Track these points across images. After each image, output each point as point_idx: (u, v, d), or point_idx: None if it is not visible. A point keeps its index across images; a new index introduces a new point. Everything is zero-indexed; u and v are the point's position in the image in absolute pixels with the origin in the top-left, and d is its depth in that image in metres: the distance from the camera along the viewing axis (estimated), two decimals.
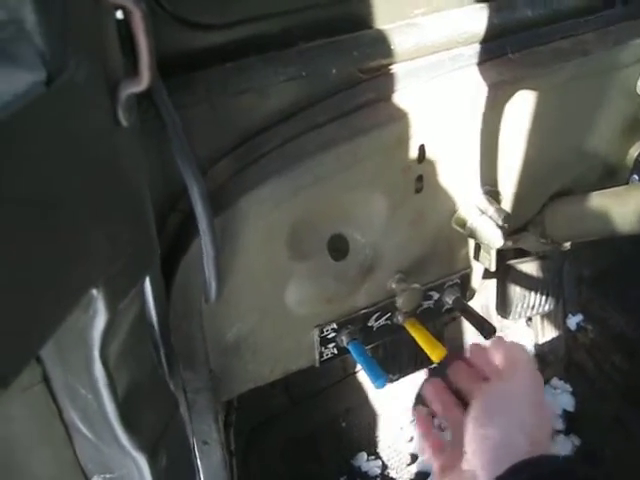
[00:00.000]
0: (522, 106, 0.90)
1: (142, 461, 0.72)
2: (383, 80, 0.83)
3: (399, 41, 0.82)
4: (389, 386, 1.80)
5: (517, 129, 0.92)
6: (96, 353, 0.59)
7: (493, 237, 0.93)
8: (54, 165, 0.44)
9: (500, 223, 0.93)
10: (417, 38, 0.83)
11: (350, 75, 0.81)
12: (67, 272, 0.48)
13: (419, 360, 1.31)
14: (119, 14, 0.51)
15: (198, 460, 0.97)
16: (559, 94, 0.94)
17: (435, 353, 0.97)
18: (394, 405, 1.83)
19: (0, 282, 0.42)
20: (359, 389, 1.71)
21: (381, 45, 0.82)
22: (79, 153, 0.47)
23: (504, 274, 1.38)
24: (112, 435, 0.69)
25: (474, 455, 0.70)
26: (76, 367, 0.62)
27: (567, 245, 1.16)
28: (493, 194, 0.96)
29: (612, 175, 1.11)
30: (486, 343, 0.85)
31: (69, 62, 0.44)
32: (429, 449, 0.82)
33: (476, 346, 0.86)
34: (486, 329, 0.97)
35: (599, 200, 1.00)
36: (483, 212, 0.94)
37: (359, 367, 1.69)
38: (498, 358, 0.80)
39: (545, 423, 0.72)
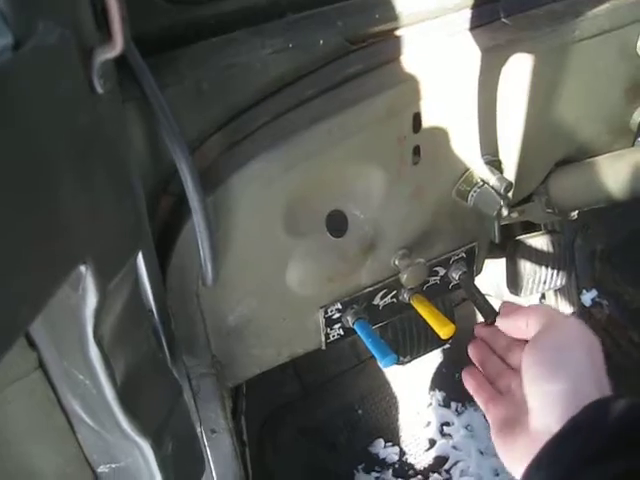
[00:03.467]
0: (519, 71, 0.88)
1: (146, 447, 0.71)
2: (372, 50, 0.81)
3: (387, 9, 0.81)
4: (404, 371, 1.78)
5: (515, 95, 0.90)
6: (89, 332, 0.58)
7: (496, 207, 0.91)
8: (30, 133, 0.43)
9: (502, 192, 0.91)
10: (406, 5, 0.82)
11: (338, 46, 0.79)
12: (50, 245, 0.47)
13: (429, 339, 1.29)
14: None
15: (207, 449, 0.96)
16: (556, 57, 0.91)
17: (444, 330, 0.95)
18: (410, 390, 1.82)
19: None
20: (373, 375, 1.70)
21: (369, 14, 0.80)
22: (55, 120, 0.45)
23: (513, 250, 1.36)
24: (114, 421, 0.68)
25: (544, 411, 0.65)
26: (71, 350, 0.61)
27: (574, 214, 1.14)
28: (495, 164, 0.94)
29: (617, 140, 1.09)
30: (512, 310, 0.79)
31: (37, 26, 0.43)
32: (484, 403, 0.78)
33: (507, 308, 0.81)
34: (489, 314, 0.94)
35: (604, 165, 0.98)
36: (485, 182, 0.92)
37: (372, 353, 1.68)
38: (532, 319, 0.74)
39: (603, 368, 0.68)
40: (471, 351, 0.83)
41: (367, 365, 1.69)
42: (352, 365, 1.67)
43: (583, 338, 0.69)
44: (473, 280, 1.07)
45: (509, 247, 1.38)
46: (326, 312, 0.94)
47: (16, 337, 0.49)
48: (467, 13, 0.87)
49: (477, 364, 0.81)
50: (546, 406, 0.65)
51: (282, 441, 1.59)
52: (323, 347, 0.98)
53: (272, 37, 0.74)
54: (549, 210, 1.09)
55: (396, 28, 0.82)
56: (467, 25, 0.87)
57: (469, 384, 0.79)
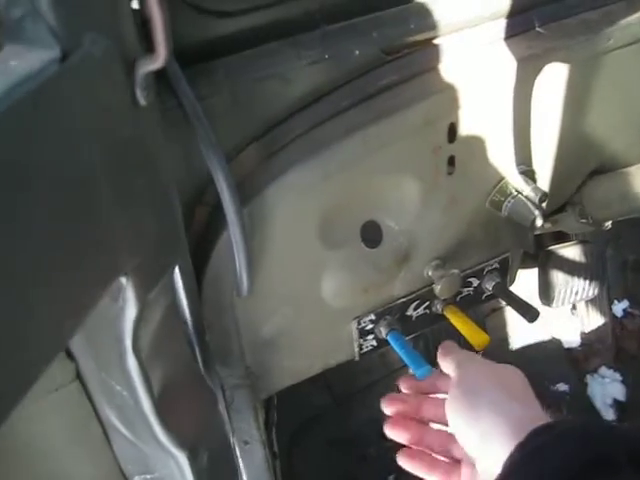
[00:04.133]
0: (554, 80, 0.87)
1: (182, 459, 0.71)
2: (407, 60, 0.81)
3: (422, 19, 0.80)
4: None
5: (550, 105, 0.89)
6: (128, 345, 0.58)
7: (531, 218, 0.90)
8: (74, 143, 0.43)
9: (537, 203, 0.90)
10: (441, 15, 0.81)
11: (373, 56, 0.79)
12: (93, 257, 0.47)
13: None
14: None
15: (240, 460, 0.95)
16: (590, 67, 0.90)
17: (478, 340, 0.94)
18: None
19: (28, 266, 0.41)
20: None
21: (404, 24, 0.80)
22: (98, 133, 0.46)
23: (545, 260, 1.35)
24: (150, 433, 0.68)
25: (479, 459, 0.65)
26: (109, 362, 0.61)
27: (608, 225, 1.13)
28: (529, 173, 0.93)
29: None
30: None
31: (83, 39, 0.43)
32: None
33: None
34: (530, 313, 0.94)
35: (638, 175, 0.97)
36: (519, 192, 0.92)
37: (401, 364, 1.66)
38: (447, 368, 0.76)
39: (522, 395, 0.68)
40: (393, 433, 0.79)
41: (397, 376, 1.67)
42: (382, 376, 1.66)
43: (492, 374, 0.70)
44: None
45: (541, 257, 1.37)
46: (359, 323, 0.93)
47: (59, 350, 0.49)
48: (502, 22, 0.86)
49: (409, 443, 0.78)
50: (479, 455, 0.65)
51: (312, 452, 1.58)
52: (356, 358, 0.98)
53: (308, 48, 0.74)
54: (583, 220, 1.08)
55: (431, 38, 0.82)
56: (502, 34, 0.86)
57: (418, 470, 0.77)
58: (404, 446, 0.77)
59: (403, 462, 0.77)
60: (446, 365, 0.76)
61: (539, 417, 0.63)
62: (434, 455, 0.76)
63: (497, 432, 0.62)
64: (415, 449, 0.76)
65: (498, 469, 0.59)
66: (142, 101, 0.50)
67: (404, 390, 0.81)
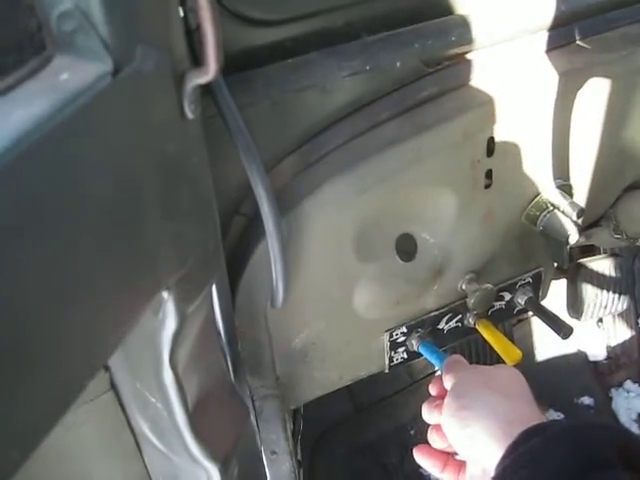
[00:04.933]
0: (594, 95, 0.86)
1: (214, 472, 0.70)
2: (448, 73, 0.80)
3: (463, 32, 0.79)
4: None
5: (589, 119, 0.88)
6: (166, 358, 0.57)
7: (568, 233, 0.88)
8: (123, 158, 0.43)
9: (574, 218, 0.89)
10: (482, 28, 0.80)
11: (414, 68, 0.78)
12: (138, 272, 0.47)
13: (491, 363, 1.26)
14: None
15: (267, 470, 0.95)
16: (631, 81, 0.89)
17: (510, 356, 0.93)
18: None
19: (76, 282, 0.40)
20: (427, 396, 1.67)
21: (445, 36, 0.79)
22: (147, 146, 0.45)
23: (574, 273, 1.34)
24: (182, 445, 0.67)
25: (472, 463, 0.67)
26: (145, 373, 0.61)
27: None
28: (566, 188, 0.92)
29: None
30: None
31: (135, 52, 0.43)
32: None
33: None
34: (564, 329, 0.93)
35: None
36: (556, 207, 0.90)
37: (426, 373, 1.66)
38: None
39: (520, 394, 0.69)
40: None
41: (421, 385, 1.66)
42: (405, 385, 1.65)
43: (485, 377, 0.71)
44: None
45: (570, 270, 1.36)
46: (391, 335, 0.92)
47: (102, 364, 0.48)
48: (543, 36, 0.85)
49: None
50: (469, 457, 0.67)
51: (334, 460, 1.57)
52: (386, 370, 0.97)
53: (349, 59, 0.73)
54: (617, 236, 1.07)
55: (472, 50, 0.81)
56: (544, 48, 0.85)
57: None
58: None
59: (419, 458, 0.78)
60: (446, 378, 0.76)
61: (533, 416, 0.63)
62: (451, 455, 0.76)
63: (486, 434, 0.62)
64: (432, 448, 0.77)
65: (489, 472, 0.59)
66: (190, 114, 0.49)
67: (433, 394, 0.81)
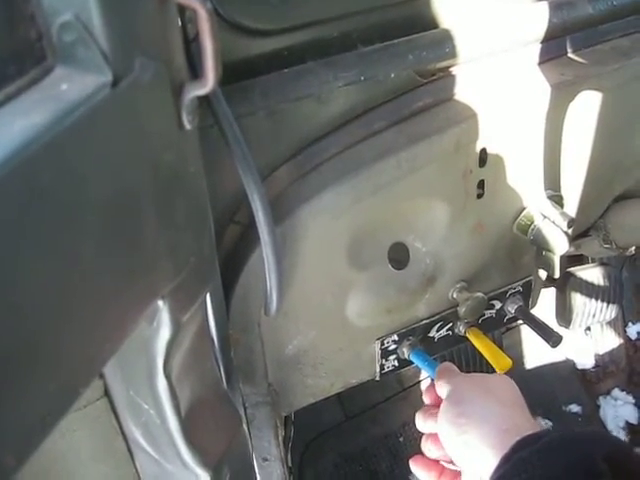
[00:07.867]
0: (585, 107, 0.87)
1: (206, 478, 0.71)
2: (442, 84, 0.81)
3: (457, 44, 0.80)
4: None
5: (580, 130, 0.89)
6: (159, 366, 0.57)
7: (558, 243, 0.89)
8: (121, 168, 0.43)
9: (565, 228, 0.90)
10: (475, 40, 0.81)
11: (408, 79, 0.79)
12: (135, 281, 0.47)
13: (482, 371, 1.27)
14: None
15: (258, 476, 0.95)
16: (621, 93, 0.90)
17: (500, 364, 0.93)
18: None
19: (74, 290, 0.41)
20: (416, 403, 1.67)
21: (439, 48, 0.79)
22: (145, 156, 0.45)
23: (563, 282, 1.34)
24: (175, 452, 0.67)
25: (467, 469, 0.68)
26: (139, 381, 0.61)
27: (631, 250, 1.12)
28: (556, 198, 0.93)
29: None
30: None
31: (134, 64, 0.43)
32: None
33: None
34: (554, 337, 0.94)
35: None
36: (546, 217, 0.91)
37: (415, 381, 1.66)
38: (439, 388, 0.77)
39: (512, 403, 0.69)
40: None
41: (410, 393, 1.66)
42: (395, 392, 1.65)
43: (480, 384, 0.72)
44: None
45: (559, 279, 1.36)
46: (382, 343, 0.93)
47: (98, 372, 0.49)
48: (536, 48, 0.86)
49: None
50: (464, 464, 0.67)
51: (323, 468, 1.57)
52: (377, 378, 0.97)
53: (344, 69, 0.74)
54: (607, 245, 1.08)
55: (465, 62, 0.82)
56: (536, 60, 0.86)
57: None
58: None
59: (415, 468, 0.78)
60: (439, 386, 0.76)
61: (527, 425, 0.64)
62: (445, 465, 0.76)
63: (482, 442, 0.63)
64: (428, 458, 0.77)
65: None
66: (187, 125, 0.49)
67: (427, 402, 0.81)
